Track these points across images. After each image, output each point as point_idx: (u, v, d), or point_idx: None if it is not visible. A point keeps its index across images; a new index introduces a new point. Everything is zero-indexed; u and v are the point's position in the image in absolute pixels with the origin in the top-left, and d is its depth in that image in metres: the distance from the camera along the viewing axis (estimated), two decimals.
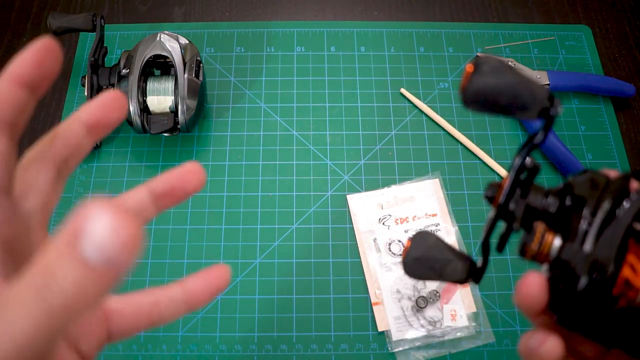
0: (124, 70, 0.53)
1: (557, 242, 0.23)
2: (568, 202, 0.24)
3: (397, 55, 0.63)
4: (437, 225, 0.53)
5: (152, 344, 0.49)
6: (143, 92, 0.53)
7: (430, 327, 0.49)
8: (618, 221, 0.22)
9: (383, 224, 0.54)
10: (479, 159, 0.57)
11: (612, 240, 0.22)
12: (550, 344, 0.23)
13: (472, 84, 0.23)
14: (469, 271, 0.26)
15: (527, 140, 0.25)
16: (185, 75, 0.52)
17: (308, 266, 0.52)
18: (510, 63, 0.60)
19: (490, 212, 0.25)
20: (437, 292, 0.50)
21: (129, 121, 0.53)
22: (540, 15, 0.66)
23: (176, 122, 0.53)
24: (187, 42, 0.54)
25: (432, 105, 0.59)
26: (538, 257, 0.24)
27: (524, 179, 0.25)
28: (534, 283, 0.23)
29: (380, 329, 0.49)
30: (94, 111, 0.24)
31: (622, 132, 0.59)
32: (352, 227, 0.54)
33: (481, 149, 0.57)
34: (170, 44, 0.53)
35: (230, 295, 0.51)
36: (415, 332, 0.49)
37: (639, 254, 0.23)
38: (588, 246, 0.22)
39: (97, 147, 0.56)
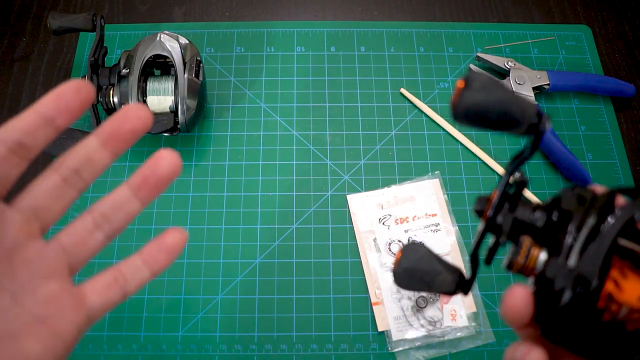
0: (124, 70, 0.53)
1: (542, 256, 0.24)
2: (555, 216, 0.24)
3: (397, 55, 0.63)
4: (437, 225, 0.53)
5: (152, 344, 0.49)
6: (143, 92, 0.53)
7: (430, 327, 0.49)
8: (602, 237, 0.23)
9: (383, 224, 0.54)
10: (479, 159, 0.57)
11: (596, 255, 0.22)
12: (534, 356, 0.23)
13: (462, 100, 0.24)
14: (457, 283, 0.26)
15: (515, 156, 0.25)
16: (185, 75, 0.52)
17: (308, 266, 0.52)
18: (510, 63, 0.60)
19: (479, 225, 0.26)
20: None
21: None
22: (540, 15, 0.66)
23: (176, 122, 0.53)
24: (187, 42, 0.54)
25: (432, 105, 0.59)
26: (524, 271, 0.24)
27: (512, 193, 0.25)
28: (519, 296, 0.23)
29: (380, 329, 0.49)
30: (106, 124, 0.26)
31: (622, 132, 0.59)
32: (352, 227, 0.54)
33: (481, 149, 0.57)
34: (170, 44, 0.53)
35: (230, 295, 0.51)
36: (415, 332, 0.49)
37: (622, 270, 0.23)
38: (572, 261, 0.22)
39: None
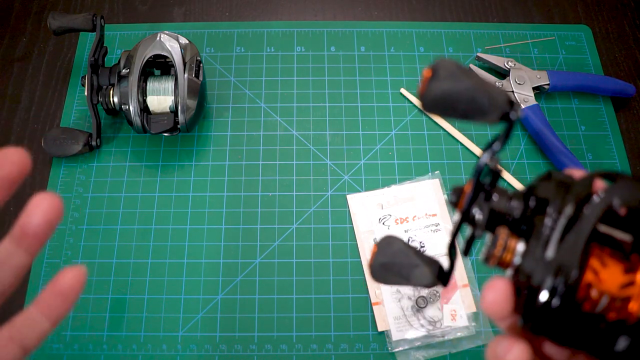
0: (124, 70, 0.53)
1: (520, 247, 0.23)
2: (532, 204, 0.24)
3: (397, 55, 0.63)
4: (437, 225, 0.53)
5: (152, 344, 0.49)
6: (143, 92, 0.53)
7: (430, 327, 0.49)
8: (580, 225, 0.22)
9: (383, 223, 0.54)
10: (479, 159, 0.57)
11: (575, 245, 0.22)
12: (516, 351, 0.22)
13: (430, 90, 0.23)
14: (436, 275, 0.26)
15: (487, 145, 0.24)
16: (185, 75, 0.52)
17: (308, 266, 0.52)
18: (510, 63, 0.60)
19: (455, 215, 0.25)
20: (437, 292, 0.50)
21: (129, 121, 0.53)
22: (540, 15, 0.66)
23: (176, 122, 0.53)
24: (187, 42, 0.54)
25: None
26: (502, 264, 0.24)
27: (488, 182, 0.25)
28: (499, 290, 0.23)
29: (380, 329, 0.49)
30: None
31: (622, 132, 0.59)
32: (352, 227, 0.54)
33: (481, 149, 0.57)
34: (170, 44, 0.53)
35: (230, 295, 0.51)
36: (415, 332, 0.49)
37: (601, 258, 0.22)
38: (550, 252, 0.22)
39: (97, 147, 0.56)
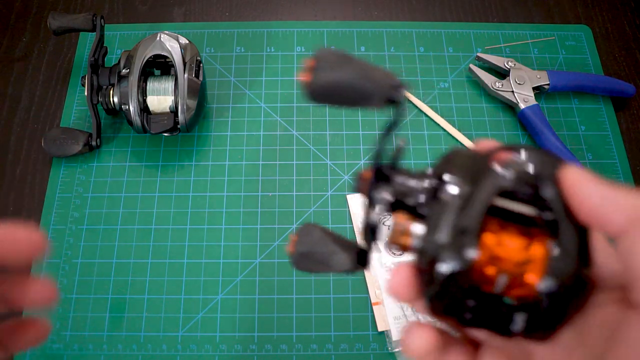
0: (124, 70, 0.53)
1: (419, 230, 0.23)
2: (434, 183, 0.24)
3: (397, 55, 0.63)
4: None
5: (152, 344, 0.49)
6: (143, 92, 0.53)
7: None
8: (474, 202, 0.21)
9: (383, 224, 0.53)
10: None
11: (470, 223, 0.21)
12: (423, 335, 0.23)
13: (313, 80, 0.23)
14: (355, 260, 0.25)
15: (384, 130, 0.24)
16: (185, 75, 0.52)
17: None
18: (510, 63, 0.60)
19: (363, 201, 0.25)
20: None
21: (129, 121, 0.53)
22: (540, 15, 0.66)
23: (176, 122, 0.53)
24: (187, 42, 0.54)
25: (432, 105, 0.59)
26: (403, 248, 0.24)
27: (389, 166, 0.25)
28: (401, 274, 0.23)
29: (380, 329, 0.49)
30: None
31: (622, 132, 0.59)
32: (352, 227, 0.54)
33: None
34: (170, 44, 0.53)
35: (230, 295, 0.51)
36: None
37: (498, 235, 0.22)
38: (443, 235, 0.21)
39: (97, 147, 0.56)
